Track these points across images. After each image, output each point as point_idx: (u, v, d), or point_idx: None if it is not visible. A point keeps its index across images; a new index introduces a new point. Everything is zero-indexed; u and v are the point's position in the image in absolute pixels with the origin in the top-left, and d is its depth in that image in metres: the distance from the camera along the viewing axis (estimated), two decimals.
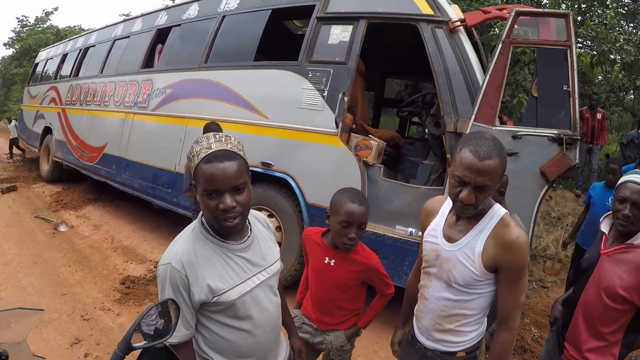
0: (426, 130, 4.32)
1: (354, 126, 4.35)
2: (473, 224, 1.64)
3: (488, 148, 1.45)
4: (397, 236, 3.73)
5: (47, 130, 10.56)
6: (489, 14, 4.01)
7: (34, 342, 3.76)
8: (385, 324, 3.79)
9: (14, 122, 16.62)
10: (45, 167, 10.89)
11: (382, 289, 2.18)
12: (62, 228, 7.14)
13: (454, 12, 3.94)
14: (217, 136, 1.38)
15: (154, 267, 5.41)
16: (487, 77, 3.46)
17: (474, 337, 1.74)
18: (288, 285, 4.29)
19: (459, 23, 3.79)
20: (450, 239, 1.67)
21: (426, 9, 3.90)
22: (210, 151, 1.32)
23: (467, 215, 1.60)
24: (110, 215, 7.93)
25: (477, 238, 1.61)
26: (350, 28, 4.25)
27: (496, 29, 6.47)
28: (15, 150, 15.92)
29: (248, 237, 1.48)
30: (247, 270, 1.44)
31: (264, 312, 1.48)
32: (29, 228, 7.27)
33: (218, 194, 1.31)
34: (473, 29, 4.27)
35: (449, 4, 4.05)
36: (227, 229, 1.38)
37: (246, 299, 1.42)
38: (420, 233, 1.91)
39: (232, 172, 1.31)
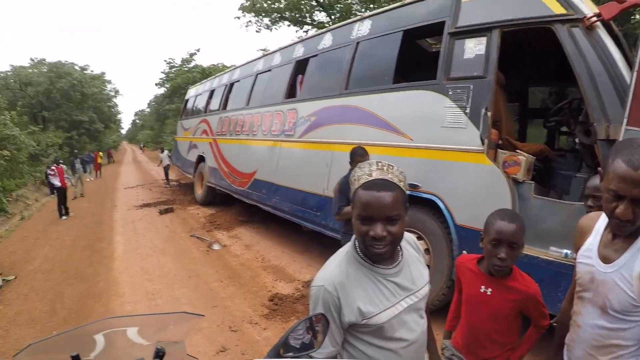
0: (576, 140, 4.04)
1: (500, 142, 4.21)
2: (631, 242, 1.49)
3: None
4: (551, 258, 3.49)
5: (201, 159, 11.78)
6: (625, 3, 3.62)
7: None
8: (532, 355, 3.57)
9: (166, 152, 18.86)
10: (199, 191, 12.17)
11: (538, 320, 2.04)
12: (216, 247, 7.83)
13: (588, 8, 3.67)
14: (379, 164, 1.40)
15: (302, 286, 5.70)
16: (635, 73, 3.10)
17: None
18: (435, 310, 4.23)
19: (595, 18, 3.50)
20: (606, 260, 1.54)
21: (558, 9, 3.71)
22: (370, 178, 1.36)
23: (625, 233, 1.47)
24: (261, 236, 8.51)
25: (636, 257, 1.47)
26: (484, 40, 4.16)
27: (637, 16, 5.92)
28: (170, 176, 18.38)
29: (399, 262, 1.48)
30: (397, 295, 1.44)
31: (411, 334, 1.48)
32: (185, 245, 8.09)
33: (370, 221, 1.34)
34: (611, 22, 3.86)
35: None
36: (374, 256, 1.40)
37: (394, 322, 1.43)
38: (574, 255, 1.76)
39: (388, 202, 1.32)
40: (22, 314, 5.51)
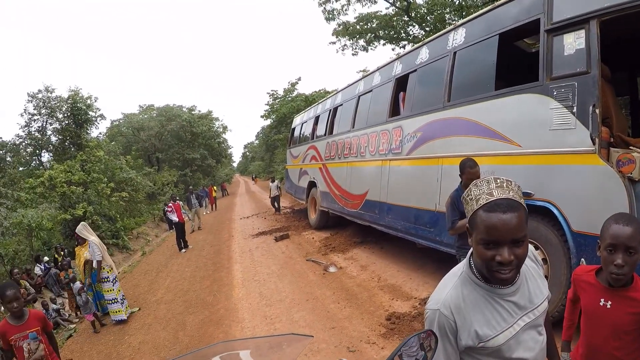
0: None
1: (611, 140, 4.07)
2: None
3: None
4: None
5: (312, 184, 12.40)
6: None
7: None
8: None
9: (276, 181, 19.35)
10: (312, 216, 12.76)
11: None
12: (332, 269, 8.17)
13: None
14: (498, 181, 1.36)
15: (419, 304, 5.79)
16: None
17: None
18: (555, 321, 3.94)
19: None
20: None
21: None
22: (491, 198, 1.31)
23: None
24: (376, 256, 8.74)
25: None
26: (582, 33, 4.05)
27: None
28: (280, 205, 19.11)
29: (516, 280, 1.43)
30: (514, 314, 1.42)
31: (529, 353, 1.45)
32: (301, 270, 8.50)
33: (496, 246, 1.29)
34: None
35: None
36: (499, 281, 1.36)
37: (512, 343, 1.41)
38: None
39: (514, 224, 1.27)
40: (147, 342, 6.18)
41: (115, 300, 7.50)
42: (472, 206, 1.37)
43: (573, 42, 4.17)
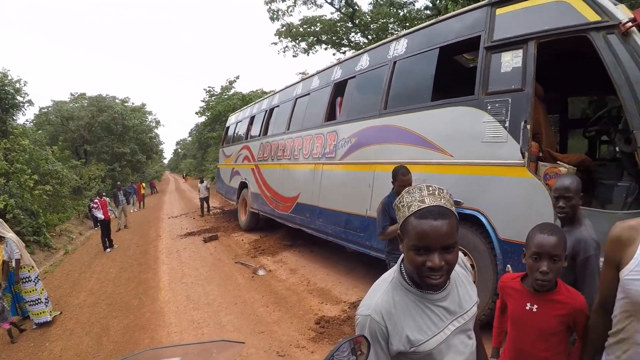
0: (617, 149, 4.04)
1: (540, 154, 4.28)
2: None
3: None
4: None
5: (243, 185, 12.13)
6: None
7: None
8: None
9: (205, 182, 18.82)
10: (243, 217, 12.47)
11: (583, 332, 2.00)
12: (261, 272, 8.00)
13: (623, 13, 3.70)
14: (430, 188, 1.37)
15: (349, 308, 5.79)
16: None
17: None
18: (481, 324, 4.12)
19: (630, 24, 3.54)
20: None
21: (593, 16, 3.75)
22: (423, 205, 1.32)
23: None
24: (306, 259, 8.67)
25: None
26: (520, 52, 4.24)
27: None
28: (213, 207, 18.38)
29: (447, 286, 1.45)
30: (445, 319, 1.43)
31: (459, 356, 1.47)
32: (230, 272, 8.28)
33: (427, 252, 1.30)
34: None
35: (615, 5, 3.83)
36: (430, 287, 1.37)
37: (442, 347, 1.42)
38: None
39: (445, 231, 1.28)
40: (69, 349, 5.76)
41: (39, 301, 6.83)
42: (404, 213, 1.36)
43: (510, 60, 4.35)
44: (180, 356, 1.41)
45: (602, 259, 1.89)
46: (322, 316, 5.61)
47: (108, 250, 12.63)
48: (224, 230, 13.04)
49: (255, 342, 5.04)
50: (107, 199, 14.25)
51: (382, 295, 1.43)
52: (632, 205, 3.80)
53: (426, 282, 1.34)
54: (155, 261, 10.21)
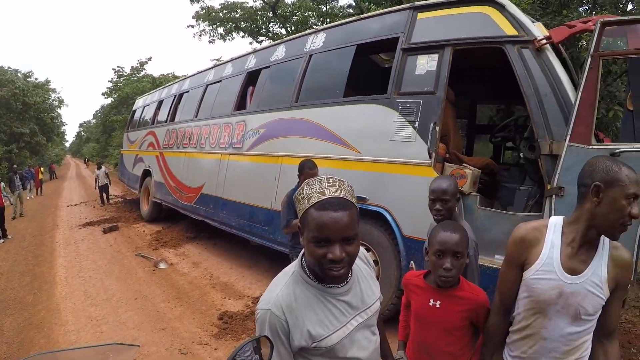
0: (521, 155, 4.27)
1: (447, 156, 4.38)
2: (593, 251, 1.66)
3: None
4: (496, 266, 3.63)
5: (147, 173, 11.51)
6: (574, 28, 3.94)
7: None
8: None
9: (103, 168, 16.73)
10: (145, 207, 11.84)
11: (484, 326, 2.01)
12: (162, 265, 7.62)
13: (539, 30, 3.92)
14: (330, 180, 1.35)
15: (252, 302, 5.64)
16: (579, 94, 3.37)
17: (587, 356, 1.78)
18: (386, 319, 4.16)
19: (544, 41, 3.74)
20: (573, 271, 1.65)
21: (510, 30, 3.92)
22: (323, 197, 1.30)
23: (620, 234, 1.61)
24: (209, 252, 8.38)
25: (600, 264, 1.65)
26: (436, 57, 4.33)
27: (583, 41, 6.27)
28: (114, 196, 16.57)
29: (348, 280, 1.44)
30: (347, 314, 1.41)
31: (363, 352, 1.45)
32: (130, 265, 7.85)
33: (327, 243, 1.28)
34: (560, 45, 4.19)
35: (533, 22, 4.05)
36: (331, 279, 1.35)
37: (345, 341, 1.40)
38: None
39: (345, 222, 1.27)
40: None
41: None
42: (303, 205, 1.34)
43: (426, 63, 4.45)
44: None
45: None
46: (225, 311, 5.48)
47: (1, 240, 11.49)
48: (124, 221, 12.34)
49: (157, 339, 4.82)
50: (2, 184, 13.06)
51: (282, 288, 1.39)
52: (532, 208, 3.97)
53: (327, 274, 1.31)
54: (51, 253, 9.41)
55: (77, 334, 5.10)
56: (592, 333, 1.74)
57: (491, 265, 3.70)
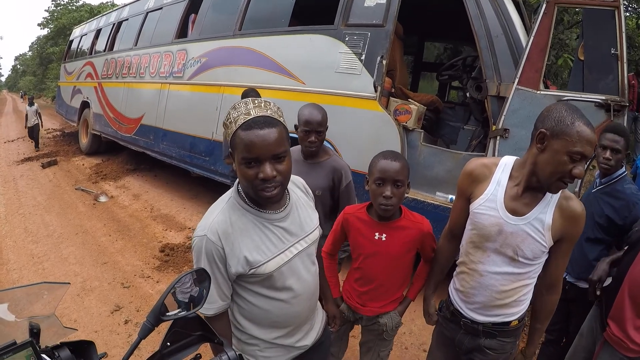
0: (467, 95, 4.16)
1: (393, 90, 4.20)
2: (539, 197, 1.57)
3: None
4: (437, 203, 3.60)
5: (85, 105, 10.70)
6: None
7: (76, 310, 3.87)
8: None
9: (35, 105, 13.75)
10: (84, 140, 11.11)
11: (429, 254, 2.01)
12: (102, 199, 7.27)
13: None
14: (255, 101, 1.29)
15: (193, 234, 5.44)
16: (531, 39, 3.27)
17: (527, 304, 1.73)
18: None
19: None
20: (515, 212, 1.57)
21: None
22: (249, 117, 1.24)
23: (559, 190, 1.52)
24: (149, 184, 8.05)
25: (545, 211, 1.55)
26: None
27: None
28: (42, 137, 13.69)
29: (286, 206, 1.41)
30: (285, 241, 1.38)
31: (302, 282, 1.43)
32: (70, 200, 7.44)
33: (257, 163, 1.23)
34: None
35: None
36: (265, 200, 1.30)
37: (284, 269, 1.37)
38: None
39: (273, 139, 1.22)
40: None
41: None
42: (231, 129, 1.27)
43: None
44: (7, 302, 1.17)
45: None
46: (166, 244, 5.30)
47: None
48: (64, 155, 11.57)
49: (99, 274, 4.63)
50: None
51: (218, 214, 1.34)
52: (476, 148, 3.90)
53: (261, 195, 1.27)
54: None
55: (19, 272, 4.81)
56: (534, 280, 1.68)
57: (432, 202, 3.64)
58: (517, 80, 3.29)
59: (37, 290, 1.23)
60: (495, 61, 3.51)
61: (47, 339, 1.05)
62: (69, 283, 1.33)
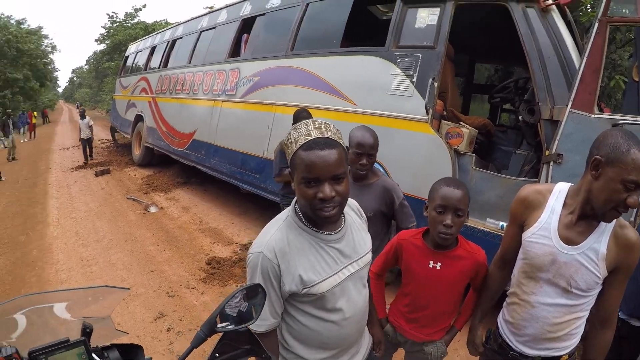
0: (519, 118, 4.04)
1: (444, 113, 4.15)
2: (594, 225, 1.51)
3: None
4: (487, 229, 3.51)
5: (139, 118, 11.14)
6: None
7: (120, 314, 3.97)
8: None
9: (87, 118, 13.50)
10: (137, 152, 11.54)
11: (480, 284, 1.96)
12: (152, 209, 7.49)
13: None
14: (316, 123, 1.31)
15: (240, 249, 5.54)
16: (584, 59, 3.13)
17: (579, 338, 1.68)
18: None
19: (550, 1, 3.51)
20: (569, 241, 1.53)
21: None
22: (310, 138, 1.26)
23: (613, 219, 1.47)
24: (199, 198, 8.23)
25: (600, 240, 1.50)
26: (437, 11, 4.04)
27: (587, 4, 5.98)
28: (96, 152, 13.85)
29: (342, 227, 1.41)
30: (339, 262, 1.38)
31: (353, 305, 1.42)
32: (121, 208, 7.72)
33: (317, 183, 1.25)
34: (565, 7, 3.89)
35: None
36: (323, 219, 1.31)
37: (336, 290, 1.37)
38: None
39: (333, 160, 1.24)
40: None
41: None
42: (292, 149, 1.30)
43: (426, 17, 4.16)
44: (67, 301, 1.26)
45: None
46: (213, 257, 5.34)
47: None
48: (116, 164, 12.05)
49: (145, 281, 4.75)
50: None
51: (275, 233, 1.35)
52: (528, 173, 3.77)
53: (319, 215, 1.28)
54: (44, 195, 9.19)
55: (67, 273, 5.01)
56: (587, 312, 1.62)
57: (483, 229, 3.55)
58: (570, 103, 3.16)
59: (97, 293, 1.30)
60: (548, 83, 3.41)
61: (98, 340, 1.09)
62: (128, 288, 1.39)
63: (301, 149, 1.26)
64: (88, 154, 13.21)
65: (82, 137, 13.14)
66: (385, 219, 2.57)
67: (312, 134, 1.27)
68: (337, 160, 1.25)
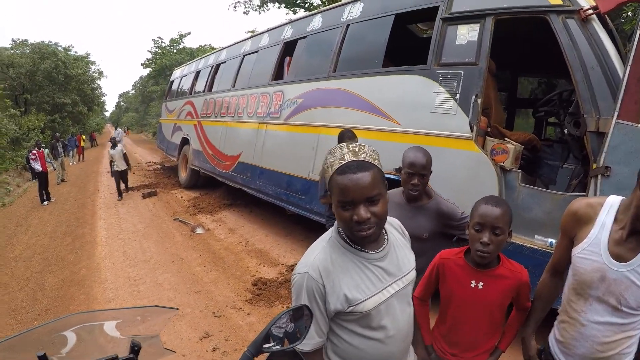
0: (565, 131, 4.01)
1: (488, 129, 4.18)
2: None
3: None
4: (536, 247, 3.48)
5: (185, 141, 11.55)
6: None
7: (166, 333, 4.09)
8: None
9: (119, 147, 11.78)
10: (183, 174, 11.94)
11: (523, 303, 1.95)
12: (199, 230, 7.72)
13: (584, 0, 3.63)
14: (350, 146, 1.36)
15: (286, 270, 5.64)
16: (627, 68, 3.07)
17: (631, 358, 1.64)
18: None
19: (591, 11, 3.45)
20: (619, 258, 1.50)
21: (555, 0, 3.64)
22: (343, 162, 1.31)
23: None
24: (245, 219, 8.41)
25: None
26: (477, 27, 4.09)
27: (629, 12, 5.87)
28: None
29: (385, 246, 1.44)
30: (383, 280, 1.40)
31: (397, 323, 1.44)
32: (168, 229, 7.97)
33: (352, 205, 1.29)
34: (606, 16, 3.84)
35: None
36: (361, 239, 1.34)
37: (381, 308, 1.39)
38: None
39: (366, 183, 1.27)
40: (2, 304, 5.36)
41: None
42: (328, 173, 1.35)
43: (466, 33, 4.21)
44: (110, 321, 1.34)
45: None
46: (259, 278, 5.45)
47: (45, 203, 11.73)
48: (163, 187, 12.52)
49: (192, 301, 4.87)
50: (46, 151, 13.16)
51: (319, 253, 1.40)
52: (576, 187, 3.73)
53: (357, 235, 1.32)
54: (92, 216, 9.66)
55: (115, 292, 5.22)
56: (639, 331, 1.60)
57: (531, 246, 3.52)
58: (616, 113, 3.10)
59: (146, 312, 1.40)
60: (593, 94, 3.36)
61: (146, 357, 1.18)
62: (177, 308, 1.49)
63: (336, 173, 1.31)
64: (123, 188, 11.65)
65: (114, 170, 11.37)
66: (443, 238, 2.59)
67: (345, 157, 1.32)
68: (371, 183, 1.28)
